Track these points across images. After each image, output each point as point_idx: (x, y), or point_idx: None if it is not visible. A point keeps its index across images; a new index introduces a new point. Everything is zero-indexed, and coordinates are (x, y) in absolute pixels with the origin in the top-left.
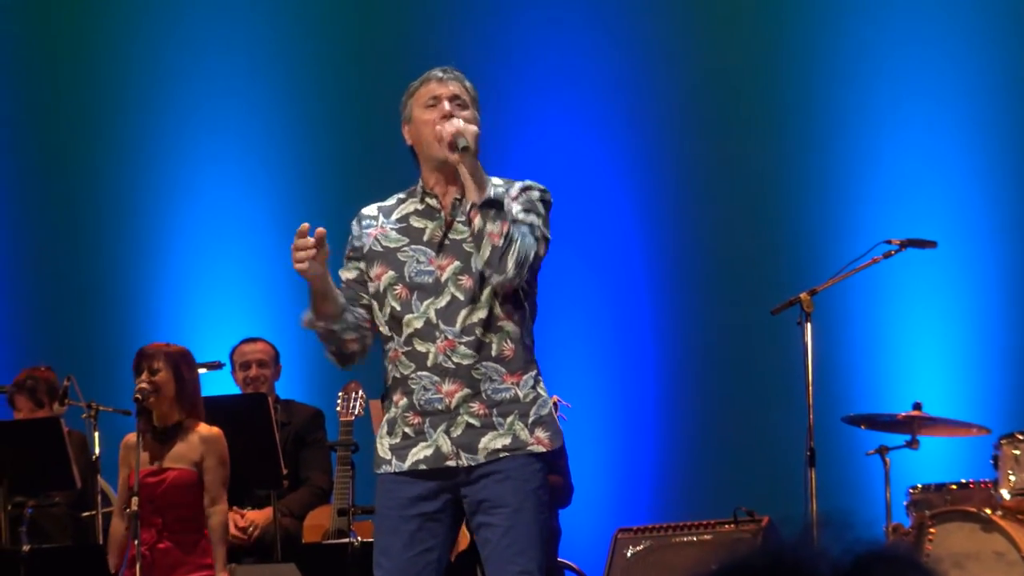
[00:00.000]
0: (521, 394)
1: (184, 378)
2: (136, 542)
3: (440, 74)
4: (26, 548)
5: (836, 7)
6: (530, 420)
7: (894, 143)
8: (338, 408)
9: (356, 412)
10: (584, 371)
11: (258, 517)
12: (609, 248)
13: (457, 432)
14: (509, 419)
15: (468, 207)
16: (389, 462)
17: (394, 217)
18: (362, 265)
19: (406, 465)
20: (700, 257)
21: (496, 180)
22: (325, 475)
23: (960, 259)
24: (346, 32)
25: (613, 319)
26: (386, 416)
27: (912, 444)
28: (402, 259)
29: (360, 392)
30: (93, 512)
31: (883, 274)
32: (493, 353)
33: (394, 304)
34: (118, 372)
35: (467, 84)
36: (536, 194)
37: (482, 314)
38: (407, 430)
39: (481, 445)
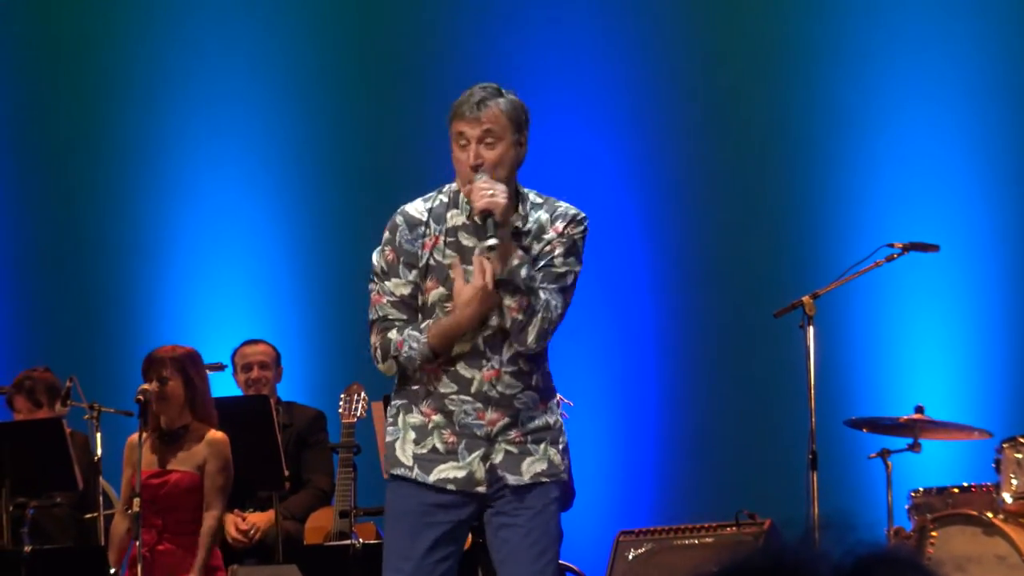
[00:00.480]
0: (550, 421)
1: (193, 382)
2: (138, 543)
3: (469, 111)
4: (28, 549)
5: (839, 10)
6: (560, 446)
7: (897, 147)
8: (340, 410)
9: (358, 414)
10: (586, 373)
11: (259, 520)
12: (612, 250)
13: (497, 459)
14: (543, 445)
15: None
16: (410, 468)
17: (444, 227)
18: (419, 273)
19: (431, 479)
20: (702, 260)
21: (534, 197)
22: (327, 477)
23: (962, 263)
24: (347, 34)
25: (615, 321)
26: (407, 419)
27: (914, 447)
28: (454, 276)
29: (362, 394)
30: (95, 513)
31: (885, 278)
32: (533, 383)
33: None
34: (120, 373)
35: (502, 107)
36: (580, 232)
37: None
38: (439, 445)
39: (523, 468)
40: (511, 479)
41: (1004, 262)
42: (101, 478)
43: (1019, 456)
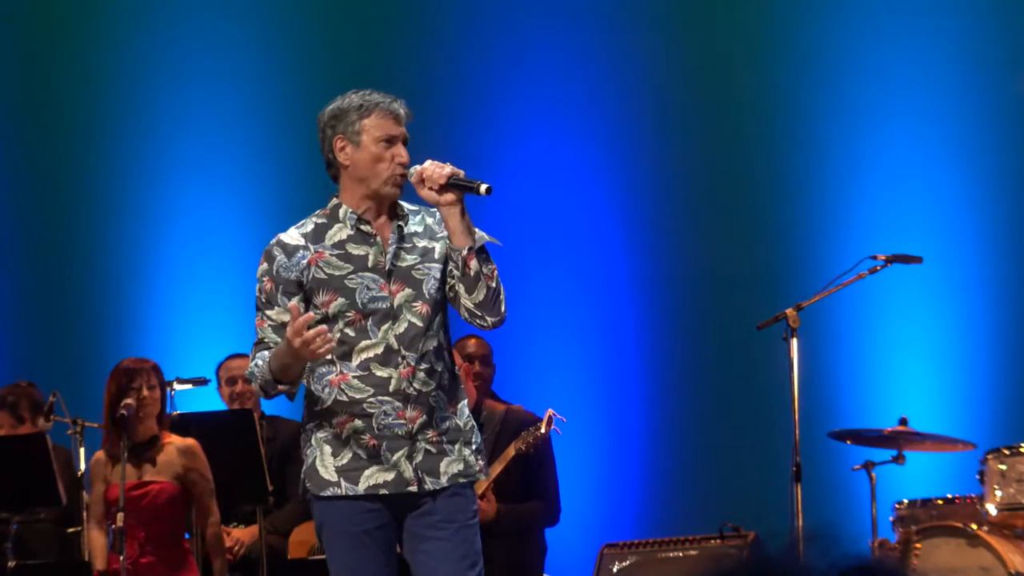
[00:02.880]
0: (460, 423)
1: (165, 392)
2: (122, 557)
3: (400, 110)
4: (11, 564)
5: (823, 25)
6: (473, 447)
7: (880, 159)
8: None
9: None
10: (569, 386)
11: (243, 535)
12: (594, 263)
13: (419, 458)
14: (456, 446)
15: (463, 251)
16: (338, 484)
17: (327, 243)
18: (298, 299)
19: (361, 488)
20: (686, 272)
21: (409, 206)
22: None
23: (945, 275)
24: (331, 45)
25: (599, 334)
26: (319, 436)
27: (898, 459)
28: (351, 286)
29: None
30: (79, 528)
31: (869, 290)
32: (441, 382)
33: (347, 330)
34: (103, 389)
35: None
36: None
37: (434, 343)
38: (359, 451)
39: (442, 469)
40: (429, 483)
41: (987, 274)
42: (84, 493)
43: (1003, 468)
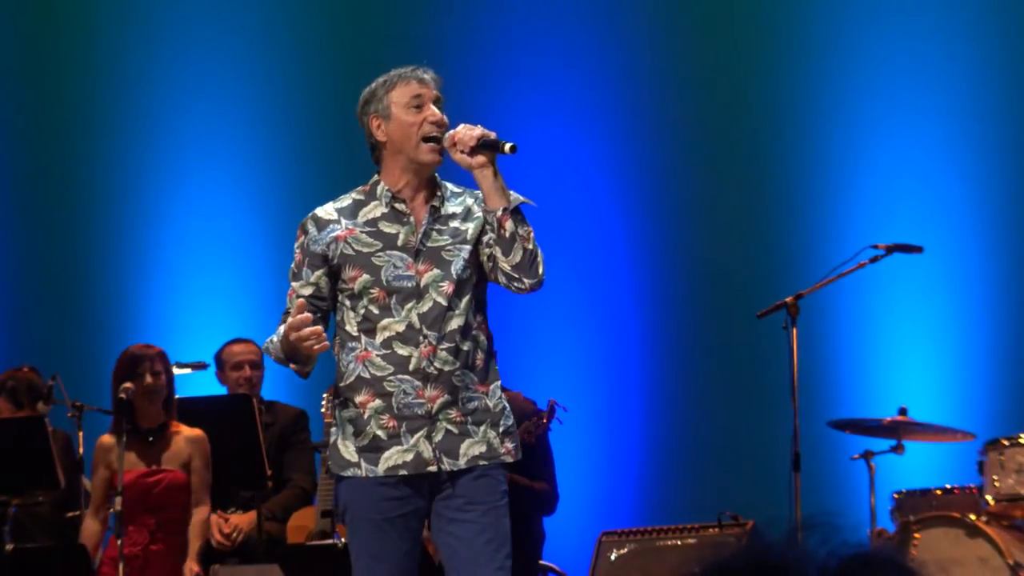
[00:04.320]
0: (490, 404)
1: (172, 379)
2: (119, 542)
3: (423, 75)
4: (9, 547)
5: (826, 16)
6: (500, 429)
7: (882, 149)
8: (323, 409)
9: None
10: (569, 374)
11: (241, 521)
12: (594, 251)
13: (438, 438)
14: (482, 427)
15: (498, 212)
16: (358, 465)
17: (360, 220)
18: (322, 272)
19: (381, 470)
20: (686, 261)
21: (452, 187)
22: (308, 476)
23: (946, 264)
24: (332, 35)
25: (598, 322)
26: (342, 415)
27: (897, 449)
28: (377, 263)
29: None
30: (77, 512)
31: (869, 279)
32: (469, 361)
33: (371, 307)
34: (103, 372)
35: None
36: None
37: (460, 321)
38: (379, 433)
39: (461, 451)
40: (447, 463)
41: (988, 264)
42: (83, 477)
43: (1002, 458)
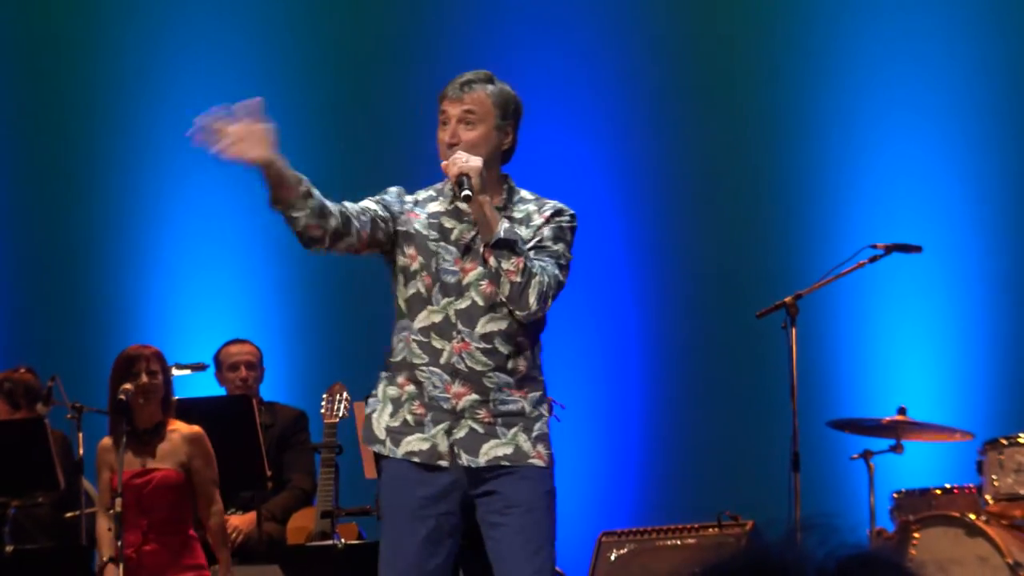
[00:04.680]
0: (527, 408)
1: (169, 378)
2: (119, 543)
3: (452, 91)
4: (9, 549)
5: (825, 15)
6: (533, 434)
7: (880, 149)
8: (322, 410)
9: (340, 414)
10: (569, 374)
11: (241, 522)
12: (594, 250)
13: (460, 434)
14: (513, 430)
15: (481, 247)
16: (383, 443)
17: (427, 211)
18: (388, 216)
19: (400, 452)
20: (685, 261)
21: (526, 194)
22: (308, 477)
23: (945, 264)
24: (333, 35)
25: (598, 322)
26: (387, 390)
27: (896, 449)
28: (432, 249)
29: (344, 394)
30: (77, 512)
31: (868, 278)
32: (508, 366)
33: (420, 290)
34: (102, 373)
35: (488, 91)
36: (566, 220)
37: (502, 325)
38: (408, 417)
39: (483, 450)
40: (465, 459)
41: (987, 263)
42: (83, 478)
43: (1001, 458)
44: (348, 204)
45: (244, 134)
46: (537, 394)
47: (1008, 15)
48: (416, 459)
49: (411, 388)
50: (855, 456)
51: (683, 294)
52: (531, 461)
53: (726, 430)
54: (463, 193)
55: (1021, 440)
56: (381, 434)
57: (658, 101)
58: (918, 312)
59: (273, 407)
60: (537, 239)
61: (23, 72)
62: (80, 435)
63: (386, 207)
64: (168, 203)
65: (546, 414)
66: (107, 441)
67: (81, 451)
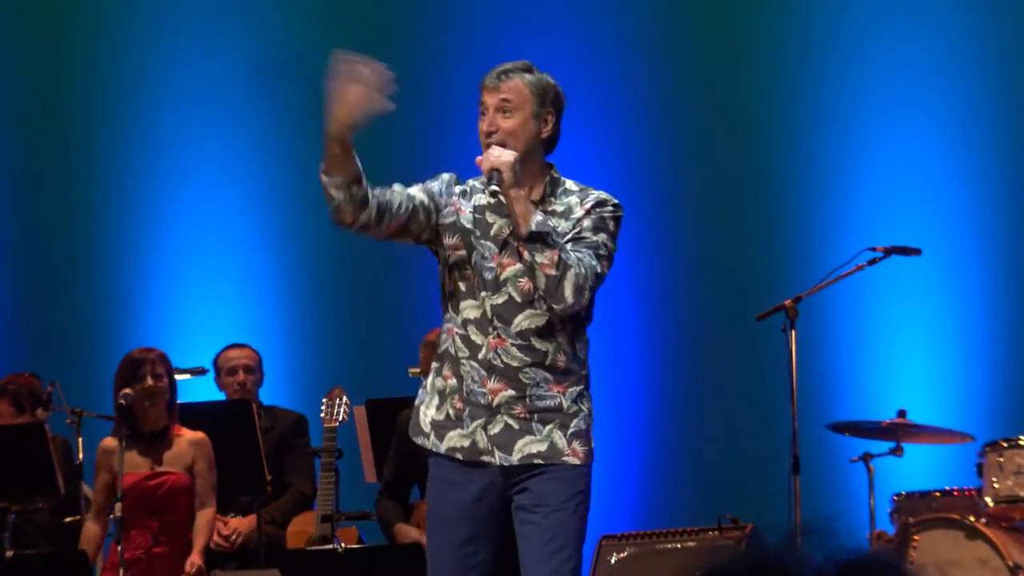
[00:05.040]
0: (565, 404)
1: (174, 382)
2: (119, 547)
3: (490, 81)
4: (9, 554)
5: (824, 17)
6: (569, 431)
7: (880, 151)
8: (322, 414)
9: (340, 418)
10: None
11: (241, 525)
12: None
13: (495, 430)
14: (548, 427)
15: (515, 241)
16: (428, 436)
17: (472, 203)
18: (432, 206)
19: (443, 448)
20: (685, 263)
21: (570, 185)
22: (308, 481)
23: (944, 266)
24: (330, 35)
25: (597, 324)
26: (435, 382)
27: (896, 451)
28: (474, 244)
29: (344, 398)
30: (77, 517)
31: (868, 281)
32: (546, 361)
33: (460, 283)
34: (102, 378)
35: (526, 79)
36: (608, 211)
37: (540, 321)
38: (451, 411)
39: (516, 447)
40: (499, 457)
41: (986, 265)
42: (83, 483)
43: (1001, 460)
44: (395, 191)
45: (365, 91)
46: (577, 389)
47: (1008, 15)
48: (459, 455)
49: (453, 382)
50: (855, 459)
51: (683, 296)
52: (565, 458)
53: (726, 433)
54: (490, 189)
55: (1021, 442)
56: (426, 427)
57: (657, 103)
58: (917, 314)
59: (273, 411)
60: (576, 230)
61: (22, 75)
62: (80, 440)
63: (432, 197)
64: (168, 208)
65: (585, 409)
66: (109, 441)
67: (81, 456)
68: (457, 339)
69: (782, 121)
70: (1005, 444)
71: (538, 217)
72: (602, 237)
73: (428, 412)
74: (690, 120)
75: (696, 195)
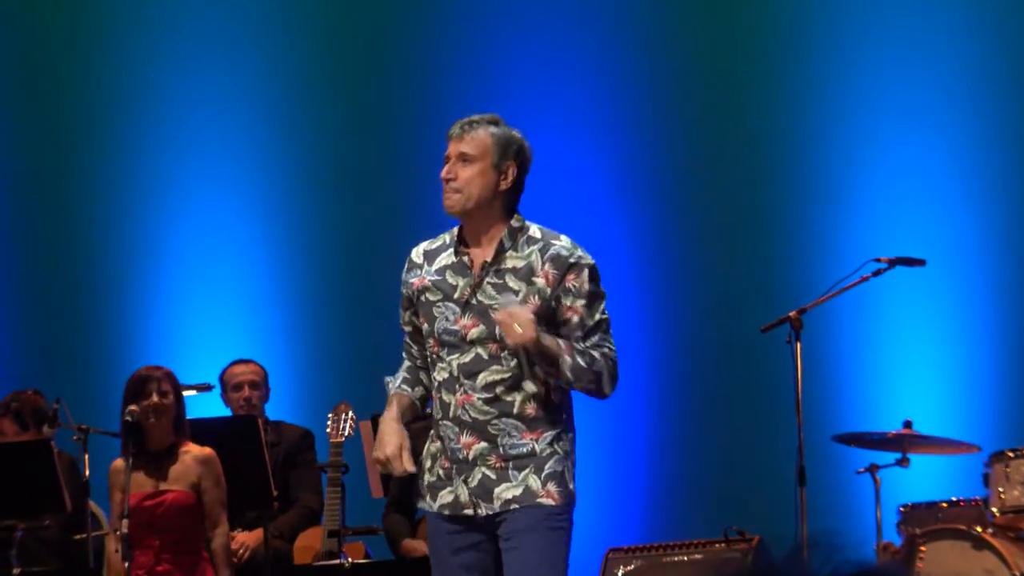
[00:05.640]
0: (538, 449)
1: (181, 399)
2: (127, 564)
3: (455, 131)
4: (16, 572)
5: (827, 28)
6: (544, 473)
7: (884, 162)
8: (328, 429)
9: (346, 433)
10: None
11: (248, 539)
12: (598, 266)
13: (474, 483)
14: (523, 472)
15: (481, 302)
16: (424, 499)
17: (435, 267)
18: (410, 313)
19: (435, 506)
20: (690, 275)
21: (534, 231)
22: (315, 496)
23: (949, 277)
24: (334, 48)
25: None
26: (429, 447)
27: (902, 462)
28: (435, 314)
29: (350, 413)
30: (84, 535)
31: (873, 292)
32: (514, 411)
33: (431, 351)
34: (108, 394)
35: (490, 131)
36: (587, 276)
37: (505, 375)
38: (440, 472)
39: (496, 493)
40: (483, 507)
41: (991, 276)
42: (89, 500)
43: (1007, 470)
44: (413, 349)
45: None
46: (552, 432)
47: (1012, 24)
48: (447, 511)
49: (438, 443)
50: (861, 470)
51: (687, 309)
52: (539, 500)
53: (732, 445)
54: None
55: None
56: (424, 491)
57: (659, 114)
58: (923, 325)
59: (279, 426)
60: (577, 319)
61: (24, 89)
62: (86, 457)
63: (408, 320)
64: (173, 223)
65: (561, 452)
66: (119, 463)
67: (87, 473)
68: (437, 403)
69: (787, 132)
70: (1011, 454)
71: (569, 362)
72: (598, 310)
73: (424, 476)
74: (693, 131)
75: (700, 207)
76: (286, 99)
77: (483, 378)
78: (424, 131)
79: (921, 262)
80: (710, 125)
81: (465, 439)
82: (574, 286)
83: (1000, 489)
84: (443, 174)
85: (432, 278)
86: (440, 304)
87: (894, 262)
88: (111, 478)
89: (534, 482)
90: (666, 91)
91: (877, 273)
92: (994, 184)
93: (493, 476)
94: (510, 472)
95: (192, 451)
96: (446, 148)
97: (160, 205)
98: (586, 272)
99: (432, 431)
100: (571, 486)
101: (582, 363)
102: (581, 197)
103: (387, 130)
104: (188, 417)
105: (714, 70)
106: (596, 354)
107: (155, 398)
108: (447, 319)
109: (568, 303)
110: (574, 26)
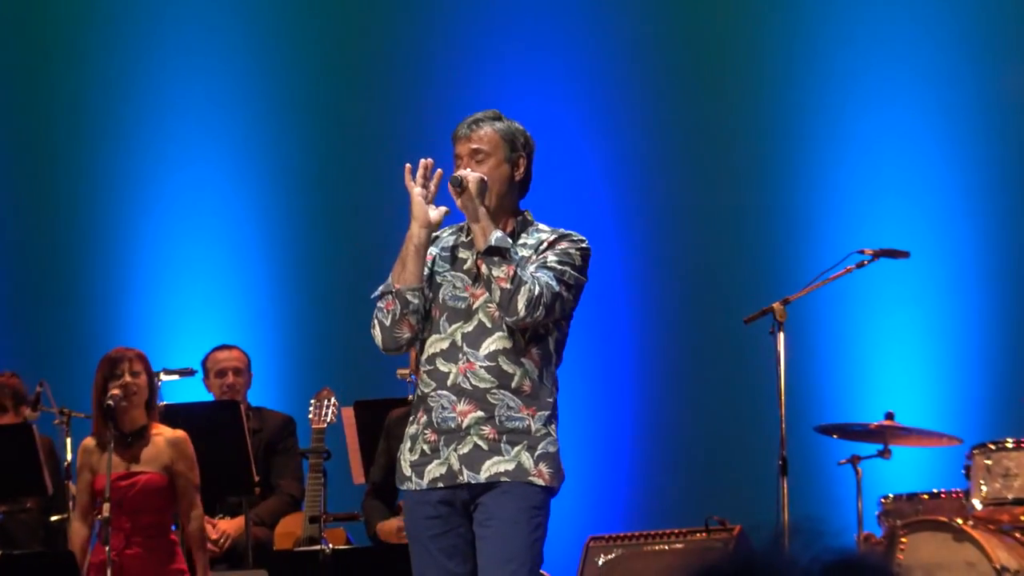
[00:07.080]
0: (534, 427)
1: (153, 381)
2: (107, 548)
3: (462, 131)
4: None
5: (813, 18)
6: (537, 453)
7: (867, 153)
8: (310, 415)
9: (328, 419)
10: (559, 378)
11: (229, 527)
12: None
13: (464, 450)
14: (516, 448)
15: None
16: (410, 479)
17: (442, 244)
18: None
19: (425, 483)
20: (674, 266)
21: (543, 227)
22: (296, 482)
23: (933, 269)
24: (324, 33)
25: (588, 328)
26: (408, 430)
27: (884, 454)
28: (439, 281)
29: (332, 399)
30: (64, 516)
31: (856, 284)
32: (513, 384)
33: (429, 322)
34: (90, 379)
35: (496, 127)
36: (573, 242)
37: (507, 343)
38: (425, 447)
39: (484, 467)
40: (467, 475)
41: (974, 268)
42: (69, 482)
43: (988, 462)
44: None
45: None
46: (545, 413)
47: (996, 11)
48: (440, 484)
49: (424, 418)
50: (843, 461)
51: (671, 299)
52: (531, 479)
53: (714, 435)
54: (455, 175)
55: (1008, 445)
56: (407, 471)
57: (645, 105)
58: (906, 317)
59: (261, 412)
60: (541, 260)
61: (7, 76)
62: (68, 440)
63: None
64: (154, 207)
65: (554, 434)
66: (90, 442)
67: (69, 456)
68: (424, 377)
69: (770, 123)
70: (993, 447)
71: (497, 234)
72: (565, 267)
73: (405, 457)
74: (677, 123)
75: (684, 198)
76: (279, 80)
77: (486, 345)
78: (418, 121)
79: (905, 254)
80: (694, 117)
81: (462, 407)
82: (557, 246)
83: (981, 481)
84: (459, 174)
85: (441, 253)
86: (446, 273)
87: (878, 254)
88: (80, 457)
89: (527, 460)
90: (647, 84)
91: (861, 265)
92: (979, 177)
93: (485, 447)
94: (503, 445)
95: (164, 433)
96: (453, 150)
97: (143, 188)
98: (575, 239)
99: (413, 413)
100: (562, 470)
101: (508, 255)
102: (565, 187)
103: (381, 116)
104: (171, 402)
105: (699, 63)
106: (532, 268)
107: (127, 378)
108: (455, 286)
109: (546, 251)
110: (559, 23)
